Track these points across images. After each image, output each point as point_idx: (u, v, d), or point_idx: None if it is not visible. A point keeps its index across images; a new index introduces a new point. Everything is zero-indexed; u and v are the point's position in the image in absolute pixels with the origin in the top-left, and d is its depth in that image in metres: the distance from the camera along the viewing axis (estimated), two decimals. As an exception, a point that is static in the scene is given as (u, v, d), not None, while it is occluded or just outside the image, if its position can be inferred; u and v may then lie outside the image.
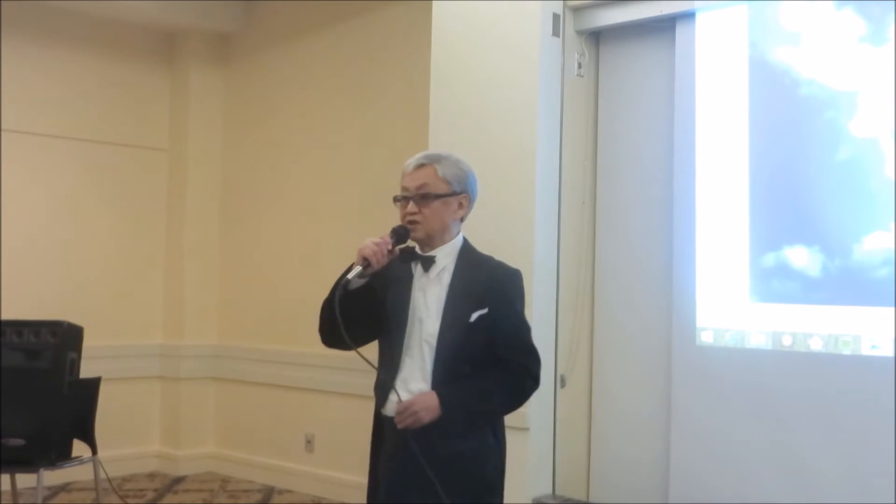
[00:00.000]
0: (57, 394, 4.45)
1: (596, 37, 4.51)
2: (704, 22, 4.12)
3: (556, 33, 4.33)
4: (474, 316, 2.53)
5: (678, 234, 4.15)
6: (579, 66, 4.45)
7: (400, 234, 2.56)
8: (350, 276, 2.48)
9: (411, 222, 2.58)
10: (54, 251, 6.13)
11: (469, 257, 2.64)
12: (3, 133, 5.90)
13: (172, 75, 6.67)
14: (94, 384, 4.66)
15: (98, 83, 6.35)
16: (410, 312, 2.57)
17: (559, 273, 4.36)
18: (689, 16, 4.16)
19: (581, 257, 4.44)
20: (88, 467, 4.66)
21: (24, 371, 4.46)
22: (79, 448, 4.62)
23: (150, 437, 6.55)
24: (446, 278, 2.59)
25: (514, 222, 4.24)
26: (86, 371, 4.63)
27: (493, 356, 2.56)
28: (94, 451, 4.61)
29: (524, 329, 2.63)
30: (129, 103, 6.49)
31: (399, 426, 2.47)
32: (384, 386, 2.57)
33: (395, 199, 2.64)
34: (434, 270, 2.59)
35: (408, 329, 2.57)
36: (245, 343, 6.40)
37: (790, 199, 3.85)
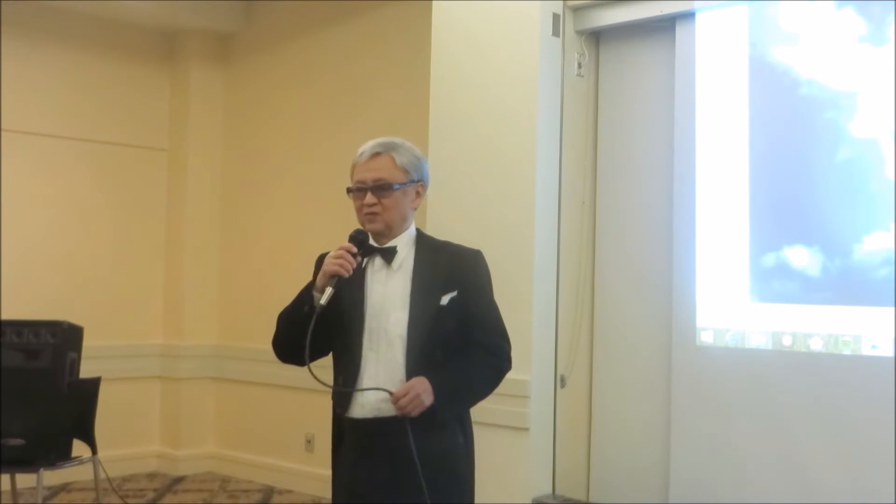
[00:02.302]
0: (57, 394, 4.45)
1: (596, 37, 4.51)
2: (704, 22, 4.12)
3: (556, 33, 4.33)
4: (445, 299, 2.46)
5: (678, 233, 4.14)
6: (579, 66, 4.45)
7: (360, 241, 2.47)
8: (323, 300, 2.38)
9: (370, 214, 2.48)
10: (54, 251, 6.13)
11: (427, 243, 2.57)
12: (3, 133, 5.90)
13: (172, 75, 6.68)
14: (94, 384, 4.66)
15: (98, 83, 6.35)
16: (368, 308, 2.47)
17: (559, 273, 4.36)
18: (689, 16, 4.16)
19: (581, 257, 4.44)
20: (88, 467, 4.66)
21: (24, 371, 4.46)
22: (79, 448, 4.62)
23: (150, 437, 6.55)
24: (407, 267, 2.50)
25: (514, 222, 4.24)
26: (86, 371, 4.63)
27: (464, 340, 2.49)
28: (94, 451, 4.61)
29: (494, 310, 2.57)
30: (129, 103, 6.50)
31: (400, 413, 2.35)
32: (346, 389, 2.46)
33: (349, 191, 2.53)
34: (396, 261, 2.50)
35: (367, 325, 2.46)
36: (245, 343, 6.40)
37: (790, 199, 3.85)
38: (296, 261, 6.03)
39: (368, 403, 2.43)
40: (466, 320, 2.50)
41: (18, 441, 4.34)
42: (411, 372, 2.42)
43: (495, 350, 2.54)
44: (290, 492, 5.94)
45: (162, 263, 6.63)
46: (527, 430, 4.15)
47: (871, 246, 3.62)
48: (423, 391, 2.36)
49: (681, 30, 4.20)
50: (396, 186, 2.50)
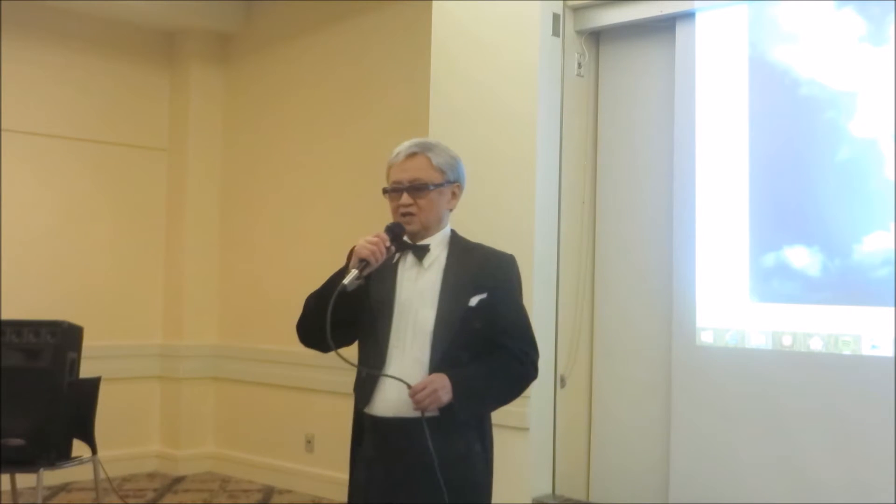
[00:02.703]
0: (57, 394, 4.44)
1: (596, 37, 4.52)
2: (704, 22, 4.12)
3: (556, 33, 4.33)
4: (475, 300, 2.43)
5: (678, 234, 4.14)
6: (579, 66, 4.45)
7: (395, 233, 2.45)
8: (346, 281, 2.35)
9: (406, 214, 2.47)
10: (54, 251, 6.13)
11: (460, 244, 2.55)
12: (3, 133, 5.90)
13: (172, 75, 6.68)
14: (94, 384, 4.66)
15: (98, 83, 6.35)
16: (398, 303, 2.45)
17: (559, 273, 4.36)
18: (689, 16, 4.16)
19: (581, 257, 4.44)
20: (88, 467, 4.66)
21: (24, 371, 4.46)
22: (79, 448, 4.61)
23: (150, 437, 6.55)
24: (438, 266, 2.49)
25: (514, 222, 4.23)
26: (86, 371, 4.63)
27: (490, 343, 2.46)
28: (94, 451, 4.61)
29: (524, 317, 2.54)
30: (129, 103, 6.50)
31: (416, 408, 2.33)
32: (368, 383, 2.45)
33: (385, 192, 2.52)
34: (427, 259, 2.49)
35: (395, 320, 2.44)
36: (245, 343, 6.40)
37: (790, 199, 3.85)
38: (296, 261, 6.05)
39: (390, 401, 2.42)
40: (494, 324, 2.47)
41: (18, 441, 4.34)
42: (435, 370, 2.40)
43: (521, 356, 2.49)
44: (289, 492, 5.93)
45: (162, 263, 6.63)
46: (527, 430, 4.15)
47: (871, 246, 3.62)
48: (441, 387, 2.34)
49: (681, 30, 4.20)
50: (432, 187, 2.49)
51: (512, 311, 2.51)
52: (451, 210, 2.57)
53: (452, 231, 2.58)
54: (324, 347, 2.41)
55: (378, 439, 2.46)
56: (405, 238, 2.51)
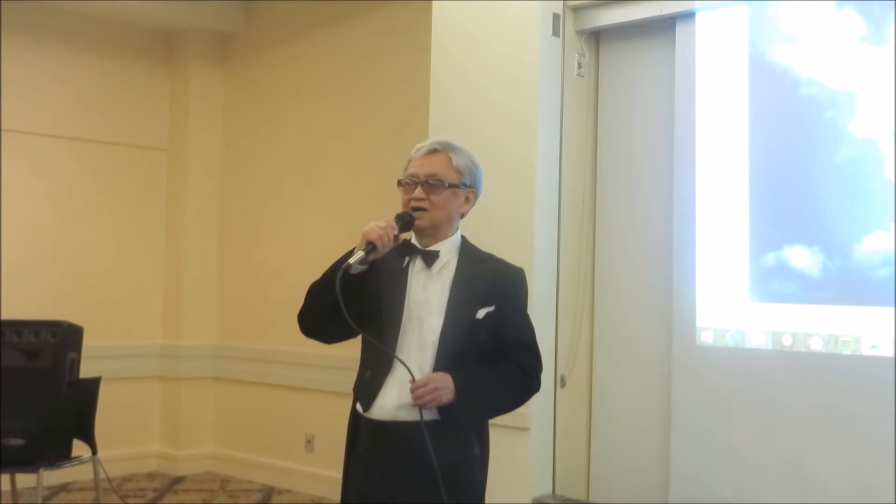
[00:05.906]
0: (57, 394, 4.45)
1: (596, 37, 4.52)
2: (704, 22, 4.12)
3: (556, 33, 4.33)
4: (482, 313, 2.41)
5: (678, 233, 4.14)
6: (579, 66, 4.45)
7: (405, 221, 2.41)
8: (352, 260, 2.32)
9: (417, 209, 2.43)
10: (54, 251, 6.13)
11: (471, 253, 2.52)
12: (3, 133, 5.90)
13: (172, 75, 6.68)
14: (94, 384, 4.66)
15: (98, 83, 6.35)
16: (406, 309, 2.43)
17: (559, 273, 4.36)
18: (689, 16, 4.16)
19: (581, 257, 4.44)
20: (88, 467, 4.66)
21: (24, 371, 4.46)
22: (79, 448, 4.62)
23: (150, 437, 6.55)
24: (448, 274, 2.46)
25: (514, 222, 4.24)
26: (86, 371, 4.63)
27: (495, 355, 2.45)
28: (94, 451, 4.61)
29: (530, 331, 2.53)
30: (129, 103, 6.50)
31: (414, 404, 2.30)
32: (371, 386, 2.43)
33: (400, 183, 2.49)
34: (437, 266, 2.46)
35: (403, 326, 2.42)
36: (245, 343, 6.40)
37: (790, 199, 3.85)
38: (296, 261, 6.05)
39: (390, 405, 2.40)
40: (500, 337, 2.46)
41: (18, 441, 4.34)
42: None
43: (527, 369, 2.49)
44: (289, 492, 5.93)
45: (162, 263, 6.63)
46: (527, 430, 4.15)
47: (871, 246, 3.62)
48: (442, 387, 2.32)
49: (681, 30, 4.20)
50: (447, 185, 2.46)
51: (519, 326, 2.50)
52: (462, 215, 2.54)
53: (463, 238, 2.55)
54: (322, 336, 2.43)
55: (376, 442, 2.44)
56: (415, 242, 2.49)
